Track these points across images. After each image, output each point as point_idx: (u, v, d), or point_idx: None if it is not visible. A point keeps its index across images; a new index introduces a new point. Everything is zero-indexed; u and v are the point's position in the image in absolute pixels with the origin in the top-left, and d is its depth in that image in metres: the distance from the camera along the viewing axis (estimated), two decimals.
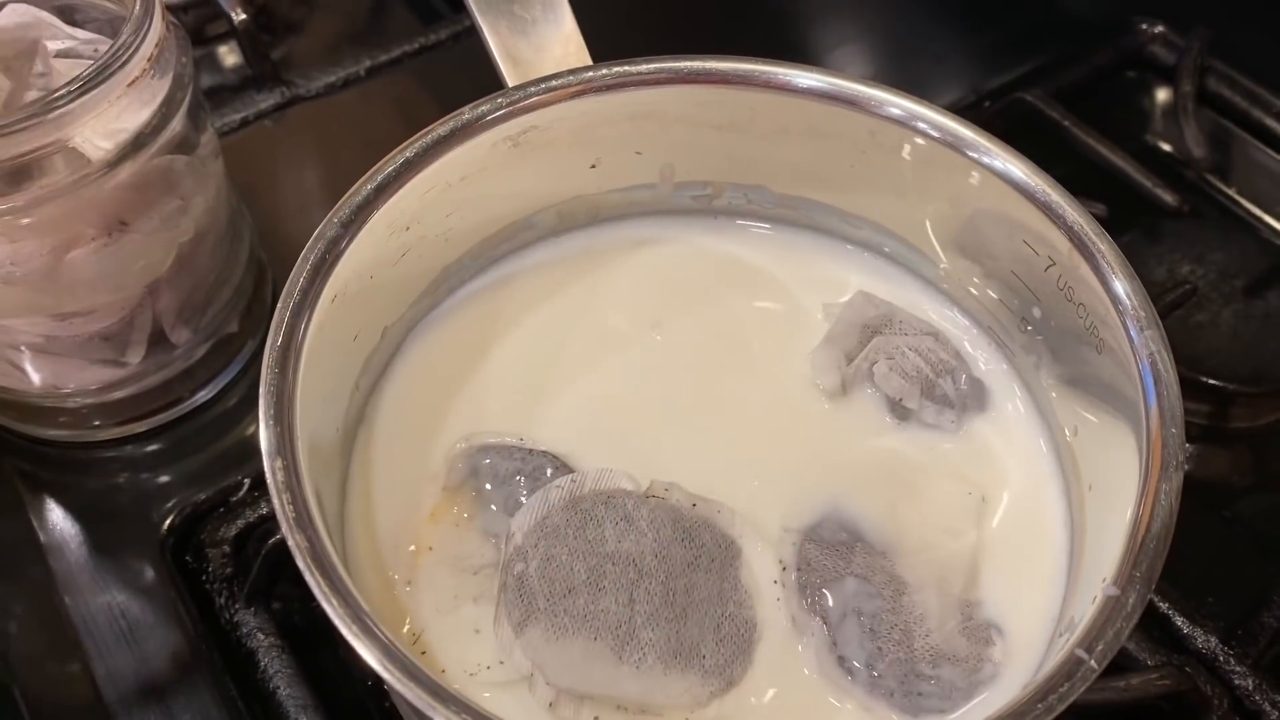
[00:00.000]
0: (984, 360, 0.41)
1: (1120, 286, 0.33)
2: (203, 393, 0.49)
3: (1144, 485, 0.30)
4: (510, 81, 0.40)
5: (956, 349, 0.41)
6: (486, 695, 0.33)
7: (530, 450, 0.38)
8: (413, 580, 0.36)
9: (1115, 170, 0.56)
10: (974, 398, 0.40)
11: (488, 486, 0.37)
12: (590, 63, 0.40)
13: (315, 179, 0.58)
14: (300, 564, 0.28)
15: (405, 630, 0.34)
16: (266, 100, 0.60)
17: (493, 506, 0.36)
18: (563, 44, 0.40)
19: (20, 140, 0.38)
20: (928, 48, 0.66)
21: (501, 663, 0.34)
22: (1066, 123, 0.57)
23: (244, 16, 0.59)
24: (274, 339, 0.32)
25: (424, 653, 0.34)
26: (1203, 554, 0.45)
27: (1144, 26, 0.64)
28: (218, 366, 0.49)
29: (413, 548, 0.36)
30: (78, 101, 0.38)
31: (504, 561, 0.35)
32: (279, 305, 0.33)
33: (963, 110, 0.59)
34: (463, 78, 0.61)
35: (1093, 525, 0.34)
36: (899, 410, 0.39)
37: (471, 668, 0.34)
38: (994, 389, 0.40)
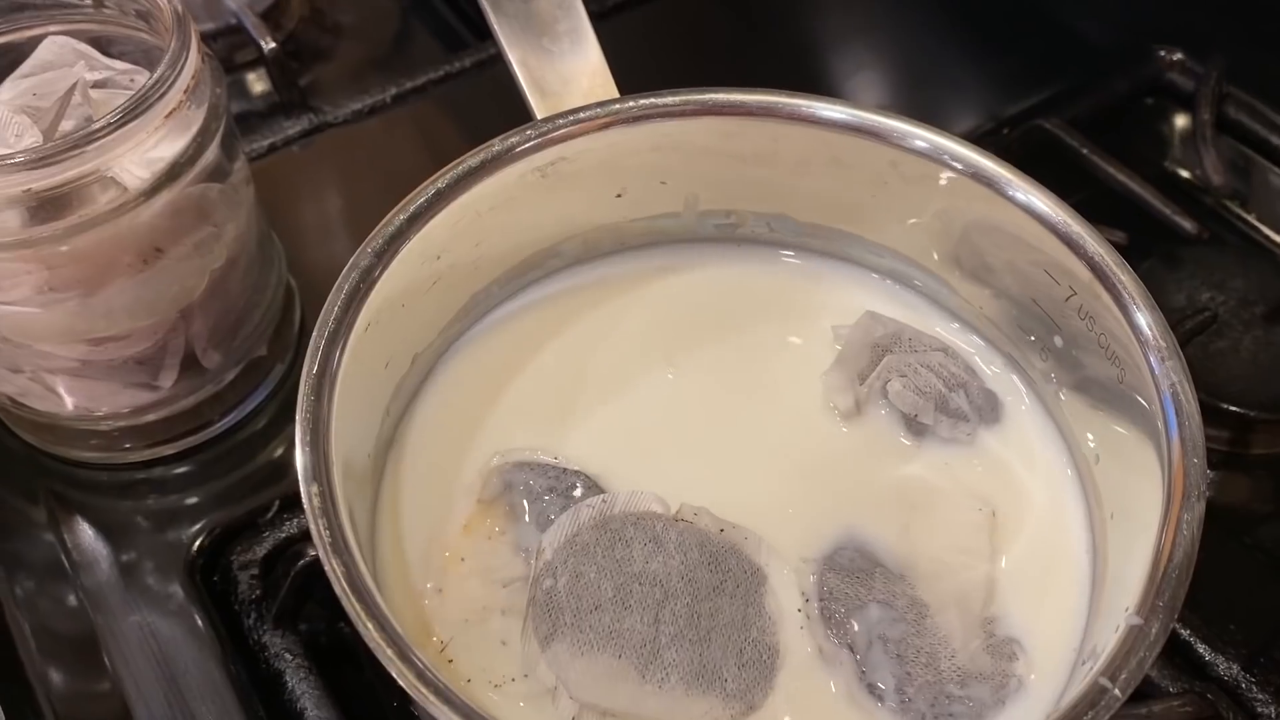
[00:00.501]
0: (994, 371, 0.42)
1: (1141, 318, 0.33)
2: (232, 415, 0.50)
3: (1166, 515, 0.30)
4: (539, 113, 0.40)
5: (967, 362, 0.41)
6: (520, 705, 0.34)
7: (564, 469, 0.38)
8: (444, 589, 0.36)
9: (1134, 197, 0.56)
10: (988, 408, 0.40)
11: (522, 502, 0.37)
12: (617, 94, 0.41)
13: (342, 204, 0.59)
14: (337, 589, 0.28)
15: (433, 639, 0.35)
16: (294, 126, 0.61)
17: (525, 521, 0.37)
18: (590, 76, 0.41)
19: (60, 170, 0.39)
20: (945, 75, 0.66)
21: (526, 675, 0.34)
22: (1085, 150, 0.58)
23: (273, 45, 0.60)
24: (310, 367, 0.33)
25: (451, 661, 0.35)
26: (1224, 581, 0.45)
27: (1162, 54, 0.64)
28: (247, 390, 0.50)
29: (446, 555, 0.37)
30: (117, 133, 0.39)
31: (534, 576, 0.36)
32: (314, 334, 0.33)
33: (981, 137, 0.60)
34: (487, 105, 0.62)
35: (1114, 553, 0.34)
36: (915, 426, 0.40)
37: (497, 679, 0.34)
38: (1006, 399, 0.41)
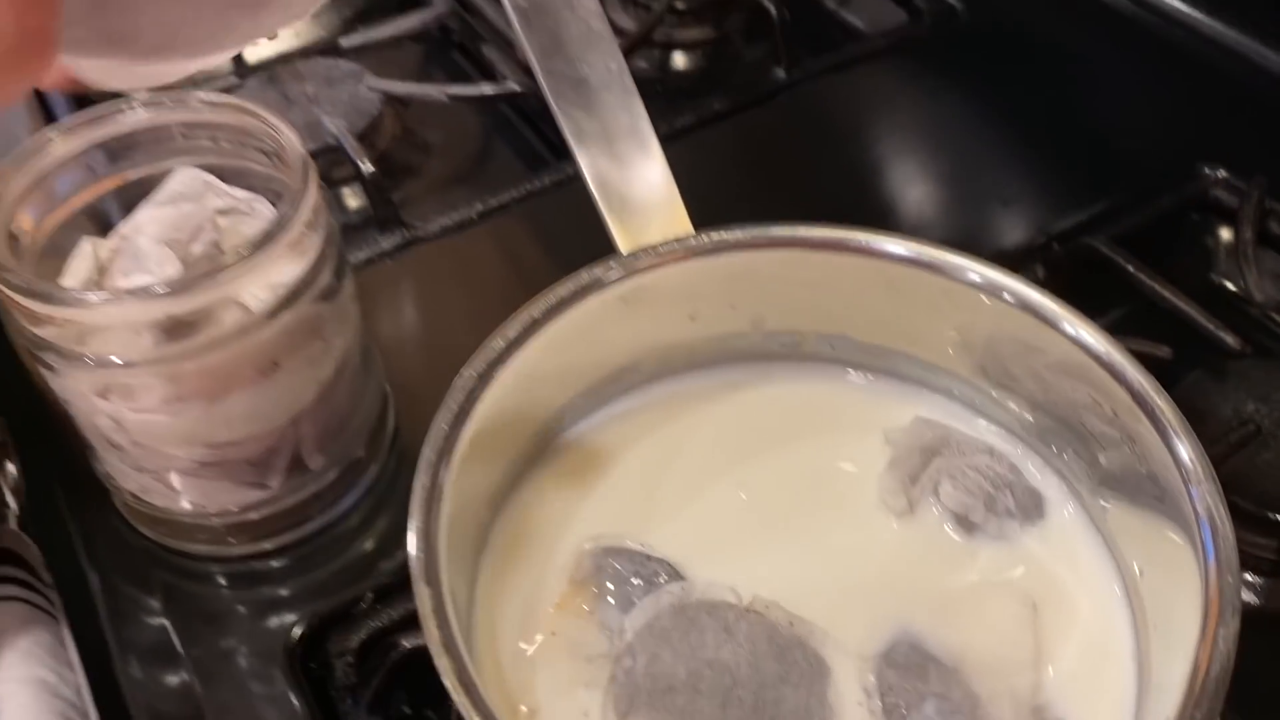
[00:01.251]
0: (1039, 476, 0.44)
1: (1178, 444, 0.36)
2: (329, 513, 0.54)
3: (1204, 629, 0.32)
4: (619, 240, 0.44)
5: (1011, 462, 0.44)
6: None
7: (648, 556, 0.42)
8: (535, 660, 0.40)
9: (1179, 313, 0.59)
10: (1032, 506, 0.43)
11: (609, 584, 0.41)
12: (690, 228, 0.45)
13: (434, 316, 0.63)
14: (449, 684, 0.32)
15: (521, 708, 0.38)
16: (388, 241, 0.66)
17: (611, 602, 0.40)
18: (667, 212, 0.45)
19: (195, 297, 0.43)
20: (1000, 191, 0.70)
21: None
22: (1131, 266, 0.60)
23: (373, 170, 0.65)
24: (421, 481, 0.36)
25: None
26: (1276, 687, 0.47)
27: (1207, 171, 0.67)
28: (344, 488, 0.54)
29: (538, 629, 0.40)
30: (246, 263, 0.43)
31: (616, 654, 0.39)
32: (426, 448, 0.37)
33: (1032, 252, 0.63)
34: (566, 222, 0.66)
35: (1158, 662, 0.37)
36: (965, 524, 0.43)
37: None
38: (1049, 495, 0.44)
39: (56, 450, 0.57)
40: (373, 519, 0.55)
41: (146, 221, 0.48)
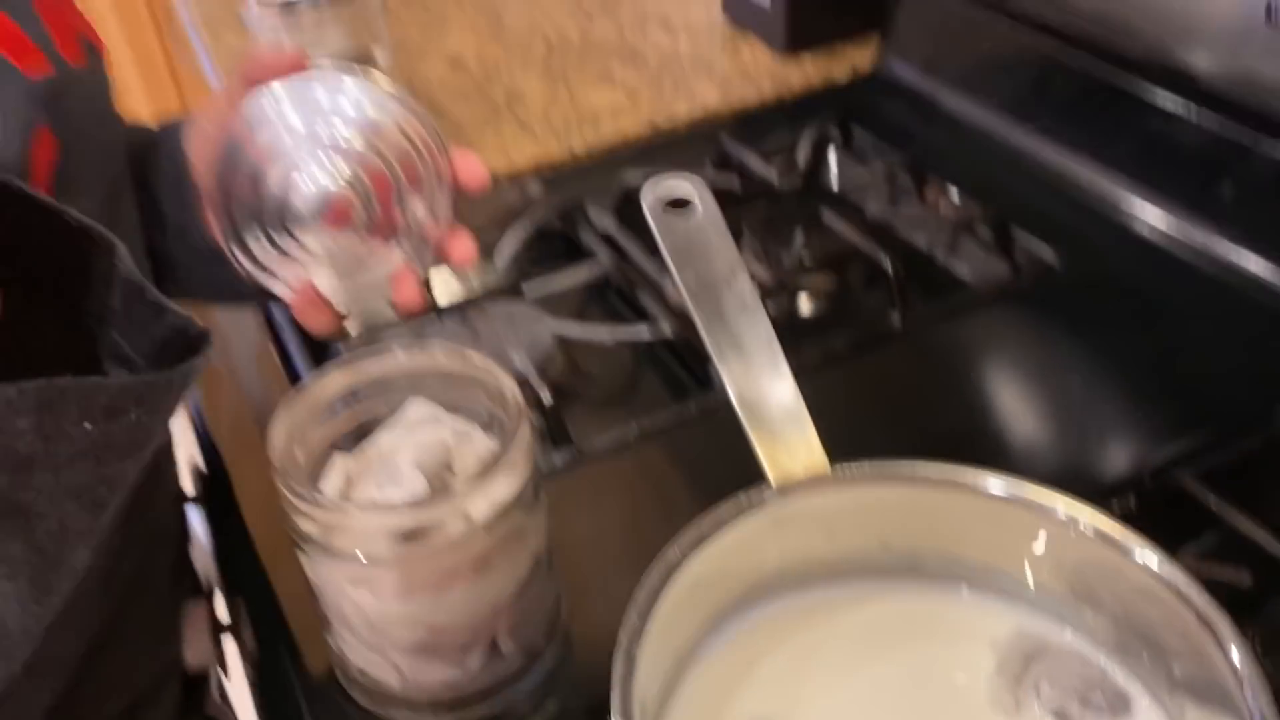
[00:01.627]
0: (1122, 674, 0.52)
1: (1235, 655, 0.44)
2: (510, 693, 0.63)
3: None
4: (774, 481, 0.55)
5: (1100, 666, 0.52)
6: None
7: None
8: None
9: (1260, 542, 0.66)
10: (1120, 704, 0.51)
11: None
12: (827, 463, 0.55)
13: (599, 526, 0.74)
14: None
15: None
16: (559, 458, 0.78)
17: None
18: (807, 450, 0.55)
19: (434, 512, 0.55)
20: (1095, 429, 0.78)
21: None
22: (1214, 501, 0.68)
23: (552, 402, 0.78)
24: (619, 664, 0.46)
25: None
26: None
27: None
28: (524, 673, 0.63)
29: None
30: (475, 484, 0.55)
31: None
32: (622, 637, 0.47)
33: (1126, 486, 0.71)
34: (706, 446, 0.77)
35: None
36: (1064, 717, 0.50)
37: None
38: (1133, 695, 0.51)
39: (284, 627, 0.69)
40: (543, 702, 0.64)
41: (399, 445, 0.60)
